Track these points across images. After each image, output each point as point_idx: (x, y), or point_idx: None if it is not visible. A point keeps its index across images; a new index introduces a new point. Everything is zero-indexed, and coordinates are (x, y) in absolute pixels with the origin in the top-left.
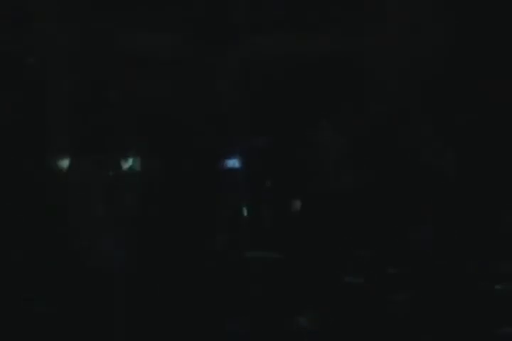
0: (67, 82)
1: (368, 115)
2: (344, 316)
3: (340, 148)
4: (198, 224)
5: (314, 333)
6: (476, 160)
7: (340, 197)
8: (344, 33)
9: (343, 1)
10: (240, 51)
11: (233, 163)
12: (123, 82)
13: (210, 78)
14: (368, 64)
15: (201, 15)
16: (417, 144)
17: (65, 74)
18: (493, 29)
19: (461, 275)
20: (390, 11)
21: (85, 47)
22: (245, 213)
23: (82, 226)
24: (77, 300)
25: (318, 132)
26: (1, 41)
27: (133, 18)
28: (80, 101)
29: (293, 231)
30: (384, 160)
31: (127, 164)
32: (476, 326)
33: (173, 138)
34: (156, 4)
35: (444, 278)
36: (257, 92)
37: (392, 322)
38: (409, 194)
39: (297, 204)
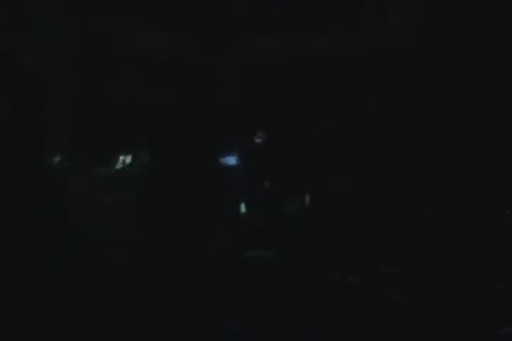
0: (67, 82)
1: (368, 115)
2: (344, 316)
3: (339, 148)
4: (198, 224)
5: (314, 333)
6: (476, 160)
7: (340, 197)
8: (344, 33)
9: (343, 1)
10: (240, 51)
11: (232, 162)
12: (123, 82)
13: (210, 78)
14: (368, 64)
15: (201, 15)
16: (417, 144)
17: (65, 74)
18: (493, 29)
19: (462, 275)
20: (390, 11)
21: (85, 47)
22: (245, 213)
23: (82, 226)
24: (77, 300)
25: (318, 132)
26: (1, 41)
27: (133, 18)
28: (80, 101)
29: (292, 231)
30: (384, 160)
31: (127, 164)
32: (476, 326)
33: (173, 138)
34: (156, 4)
35: (444, 278)
36: (257, 92)
37: (392, 322)
38: (409, 194)
39: (296, 204)
